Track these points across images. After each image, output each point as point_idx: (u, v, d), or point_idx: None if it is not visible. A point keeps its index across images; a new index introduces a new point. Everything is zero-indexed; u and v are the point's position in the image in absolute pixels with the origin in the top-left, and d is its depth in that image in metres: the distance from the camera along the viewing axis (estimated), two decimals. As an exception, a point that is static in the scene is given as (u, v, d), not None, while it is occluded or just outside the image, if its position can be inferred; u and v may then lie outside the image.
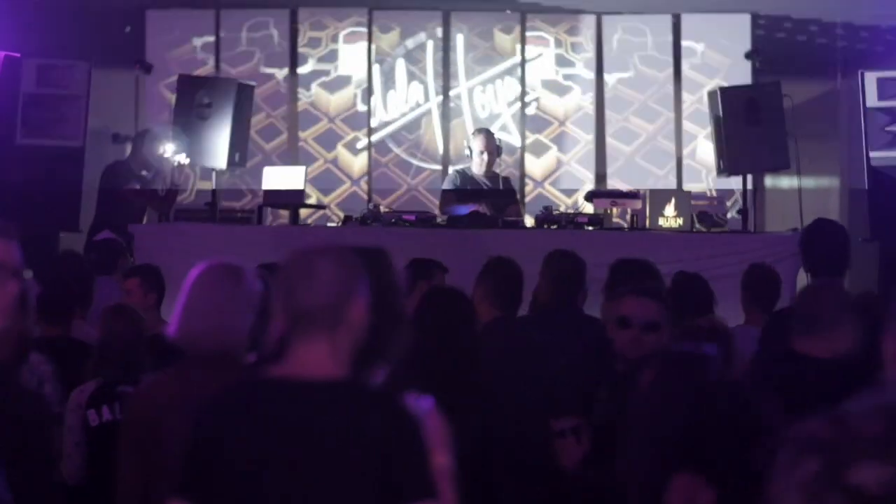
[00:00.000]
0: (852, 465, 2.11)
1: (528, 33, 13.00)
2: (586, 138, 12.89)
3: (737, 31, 12.68)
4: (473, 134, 10.76)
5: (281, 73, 12.95)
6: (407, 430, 3.00)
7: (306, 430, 2.97)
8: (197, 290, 3.95)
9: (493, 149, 10.51)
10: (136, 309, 6.66)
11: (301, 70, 12.94)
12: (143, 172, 10.65)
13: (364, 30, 12.93)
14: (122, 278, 7.63)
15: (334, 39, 12.98)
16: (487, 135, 10.70)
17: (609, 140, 12.89)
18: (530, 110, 12.85)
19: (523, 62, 12.92)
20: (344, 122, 12.94)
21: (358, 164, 12.80)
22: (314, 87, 12.94)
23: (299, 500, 2.96)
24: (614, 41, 12.98)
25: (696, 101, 12.51)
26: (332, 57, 12.97)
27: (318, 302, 3.05)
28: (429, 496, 2.99)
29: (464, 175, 10.54)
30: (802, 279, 9.29)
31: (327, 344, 3.06)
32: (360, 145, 12.85)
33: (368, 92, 12.89)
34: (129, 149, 10.85)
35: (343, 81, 12.95)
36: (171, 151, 10.05)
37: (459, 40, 12.91)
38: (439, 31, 12.95)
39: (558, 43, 13.02)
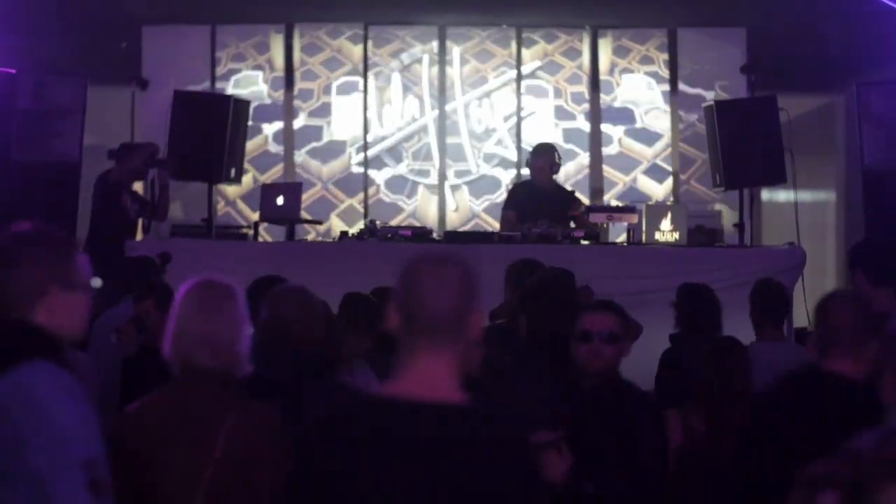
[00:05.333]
0: (877, 491, 2.16)
1: (525, 81, 12.94)
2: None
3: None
4: (535, 152, 10.68)
5: (271, 128, 12.87)
6: (529, 467, 2.92)
7: (428, 457, 2.85)
8: (188, 308, 3.90)
9: (555, 163, 10.47)
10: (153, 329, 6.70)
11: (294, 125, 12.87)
12: (133, 186, 10.59)
13: (358, 79, 12.87)
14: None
15: (327, 91, 12.91)
16: (550, 150, 10.66)
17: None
18: (528, 172, 12.70)
19: (519, 77, 12.92)
20: (337, 185, 12.82)
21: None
22: (303, 153, 12.82)
23: None
24: (617, 94, 12.90)
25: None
26: (324, 112, 12.89)
27: (449, 310, 2.94)
28: None
29: (527, 188, 10.48)
30: (800, 293, 9.31)
31: (448, 360, 2.95)
32: (355, 214, 12.63)
33: (365, 148, 12.79)
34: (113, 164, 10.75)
35: (337, 148, 12.84)
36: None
37: (455, 55, 12.91)
38: (435, 46, 12.94)
39: (557, 93, 12.97)
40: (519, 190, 10.60)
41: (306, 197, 12.05)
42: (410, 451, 2.86)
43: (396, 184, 12.83)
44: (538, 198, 10.23)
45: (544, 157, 10.49)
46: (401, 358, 2.97)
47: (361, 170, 12.81)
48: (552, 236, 9.71)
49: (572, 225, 10.02)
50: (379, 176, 12.84)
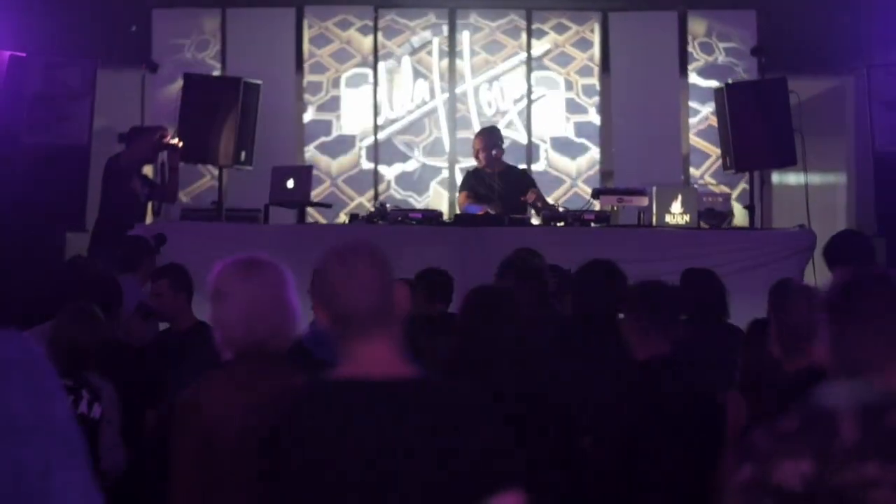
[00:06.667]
0: (775, 467, 2.28)
1: (536, 72, 12.87)
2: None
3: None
4: (480, 134, 10.77)
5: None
6: (488, 421, 3.01)
7: (389, 431, 2.95)
8: (252, 290, 3.85)
9: (496, 145, 10.48)
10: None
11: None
12: (142, 170, 10.60)
13: (369, 70, 12.79)
14: (148, 279, 7.63)
15: (335, 84, 12.83)
16: (487, 132, 10.73)
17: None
18: (539, 167, 12.53)
19: (529, 59, 12.87)
20: (347, 182, 12.71)
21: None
22: (312, 148, 12.69)
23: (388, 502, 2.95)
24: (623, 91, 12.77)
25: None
26: (333, 105, 12.79)
27: (369, 302, 3.06)
28: (515, 483, 2.98)
29: (477, 174, 10.50)
30: (810, 276, 9.31)
31: (384, 340, 3.07)
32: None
33: (375, 153, 12.68)
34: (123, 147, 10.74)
35: (347, 142, 12.73)
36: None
37: (465, 37, 12.87)
38: (445, 29, 12.90)
39: (569, 85, 12.90)
40: (470, 175, 10.62)
41: (315, 195, 11.67)
42: (369, 427, 2.95)
43: (407, 180, 12.78)
44: (487, 181, 10.27)
45: (480, 140, 10.57)
46: (340, 347, 3.09)
47: (371, 166, 12.73)
48: (562, 218, 9.75)
49: (533, 210, 10.10)
50: (389, 172, 12.78)
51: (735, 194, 11.81)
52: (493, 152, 10.39)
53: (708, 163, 12.59)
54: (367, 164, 12.74)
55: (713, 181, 12.45)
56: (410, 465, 2.93)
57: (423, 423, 2.96)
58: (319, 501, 2.95)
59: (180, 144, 10.18)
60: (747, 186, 10.87)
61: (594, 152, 12.77)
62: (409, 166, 12.77)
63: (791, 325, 4.46)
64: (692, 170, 12.61)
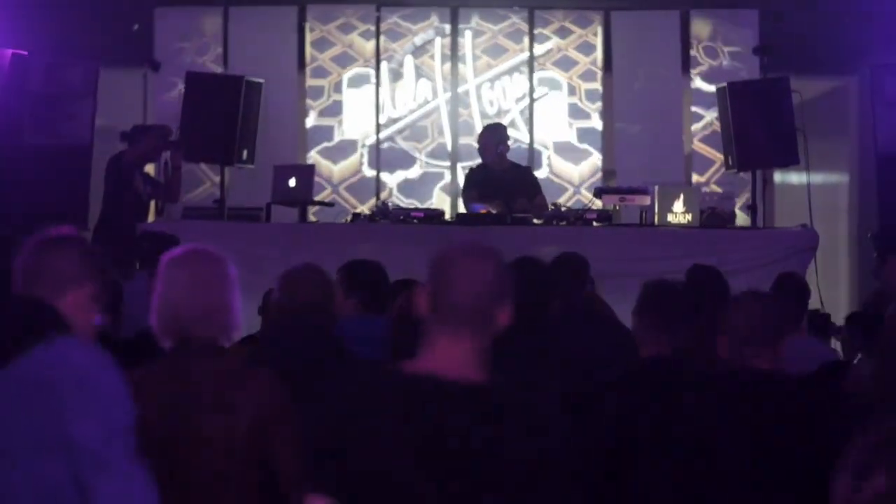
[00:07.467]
0: None
1: (539, 73, 12.85)
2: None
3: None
4: (485, 130, 10.73)
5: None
6: (554, 442, 2.96)
7: (454, 433, 2.91)
8: (181, 278, 3.84)
9: (501, 142, 10.47)
10: None
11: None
12: (145, 169, 10.59)
13: (372, 70, 12.76)
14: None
15: (337, 89, 12.80)
16: (494, 128, 10.71)
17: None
18: (542, 173, 12.42)
19: (531, 58, 12.86)
20: (349, 190, 12.66)
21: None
22: (314, 153, 12.64)
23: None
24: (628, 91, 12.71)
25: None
26: (335, 110, 12.76)
27: (474, 301, 3.01)
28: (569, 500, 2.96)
29: (482, 170, 10.47)
30: (812, 276, 9.30)
31: (469, 345, 3.01)
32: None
33: (377, 154, 12.65)
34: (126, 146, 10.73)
35: (349, 147, 12.72)
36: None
37: (467, 37, 12.85)
38: (448, 29, 12.88)
39: (571, 90, 12.89)
40: (475, 172, 10.59)
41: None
42: (434, 426, 2.91)
43: (409, 187, 12.75)
44: (492, 179, 10.25)
45: (486, 136, 10.54)
46: (425, 339, 3.04)
47: (373, 173, 12.71)
48: (565, 217, 9.74)
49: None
50: (391, 179, 12.76)
51: (739, 203, 11.76)
52: (499, 148, 10.38)
53: (712, 169, 12.54)
54: (369, 172, 12.70)
55: (717, 188, 12.40)
56: (464, 470, 2.89)
57: (488, 431, 2.91)
58: (372, 499, 2.92)
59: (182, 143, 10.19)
60: (750, 196, 10.82)
61: (596, 158, 12.73)
62: (412, 173, 12.73)
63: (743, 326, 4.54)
64: (696, 176, 12.58)
